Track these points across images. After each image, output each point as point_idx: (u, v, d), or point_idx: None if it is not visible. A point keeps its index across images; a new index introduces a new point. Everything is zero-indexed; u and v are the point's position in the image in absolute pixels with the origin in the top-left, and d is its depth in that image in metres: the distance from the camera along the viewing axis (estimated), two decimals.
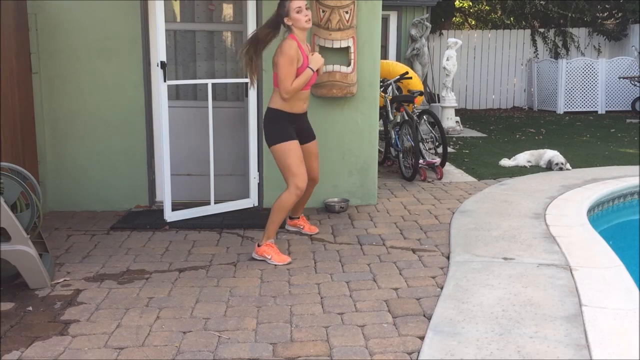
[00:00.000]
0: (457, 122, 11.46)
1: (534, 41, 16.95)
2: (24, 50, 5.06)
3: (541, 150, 7.70)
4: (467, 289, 3.46)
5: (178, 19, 5.80)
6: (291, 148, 4.14)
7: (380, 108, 7.07)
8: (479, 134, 11.24)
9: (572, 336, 2.84)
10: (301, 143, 4.30)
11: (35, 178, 4.68)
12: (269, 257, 4.08)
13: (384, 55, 13.52)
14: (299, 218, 4.82)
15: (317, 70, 4.26)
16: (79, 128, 5.38)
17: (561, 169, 7.14)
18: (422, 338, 2.92)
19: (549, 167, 7.29)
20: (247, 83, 5.37)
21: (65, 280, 3.77)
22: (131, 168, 5.44)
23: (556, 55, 16.64)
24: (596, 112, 15.07)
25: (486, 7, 19.38)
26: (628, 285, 3.43)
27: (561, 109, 15.21)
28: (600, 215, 5.73)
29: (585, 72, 15.07)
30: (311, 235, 4.71)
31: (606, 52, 16.80)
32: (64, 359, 2.78)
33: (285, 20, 4.13)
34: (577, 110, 15.18)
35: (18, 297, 3.49)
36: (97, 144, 5.40)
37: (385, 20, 13.86)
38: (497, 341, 2.81)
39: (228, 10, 5.86)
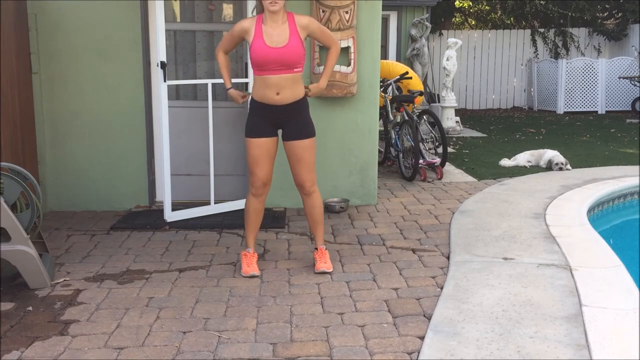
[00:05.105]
0: (457, 122, 11.45)
1: (534, 41, 16.95)
2: (24, 50, 5.06)
3: (541, 150, 7.70)
4: (467, 289, 3.46)
5: (178, 19, 5.80)
6: (250, 145, 3.81)
7: (380, 108, 7.07)
8: (479, 134, 11.24)
9: (572, 336, 2.84)
10: (283, 140, 3.91)
11: (35, 178, 4.68)
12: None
13: (384, 55, 13.51)
14: (317, 249, 4.02)
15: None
16: (79, 128, 5.38)
17: (561, 169, 7.13)
18: (422, 338, 2.92)
19: (549, 167, 7.29)
20: (247, 83, 5.39)
21: (65, 280, 3.77)
22: (131, 168, 5.44)
23: (556, 55, 16.64)
24: (596, 112, 15.07)
25: (486, 7, 19.38)
26: (628, 286, 3.43)
27: (561, 109, 15.20)
28: (600, 215, 5.73)
29: (585, 72, 15.07)
30: (311, 235, 4.70)
31: (606, 52, 16.79)
32: (64, 359, 2.78)
33: None
34: (577, 110, 15.18)
35: (18, 297, 3.49)
36: (97, 144, 5.40)
37: (385, 20, 13.85)
38: (497, 341, 2.81)
39: (228, 10, 5.87)
